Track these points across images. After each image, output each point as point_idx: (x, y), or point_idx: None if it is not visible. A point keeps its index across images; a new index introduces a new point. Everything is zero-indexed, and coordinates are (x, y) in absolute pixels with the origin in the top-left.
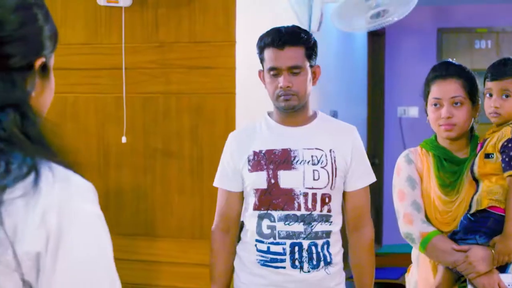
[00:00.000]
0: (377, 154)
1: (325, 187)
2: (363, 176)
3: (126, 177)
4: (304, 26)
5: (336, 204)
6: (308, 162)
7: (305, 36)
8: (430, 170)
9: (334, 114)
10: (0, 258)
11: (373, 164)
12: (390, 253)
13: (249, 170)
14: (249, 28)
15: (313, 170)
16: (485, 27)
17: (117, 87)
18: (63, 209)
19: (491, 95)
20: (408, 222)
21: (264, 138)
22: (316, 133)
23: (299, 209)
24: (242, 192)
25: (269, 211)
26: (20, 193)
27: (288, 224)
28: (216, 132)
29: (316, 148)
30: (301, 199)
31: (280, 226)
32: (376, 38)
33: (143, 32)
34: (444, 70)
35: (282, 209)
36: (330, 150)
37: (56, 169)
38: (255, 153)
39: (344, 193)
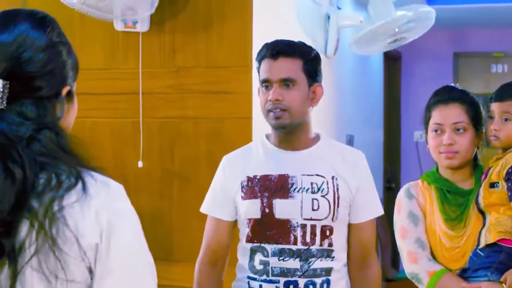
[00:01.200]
0: (393, 179)
1: (325, 218)
2: (369, 207)
3: (143, 202)
4: (320, 51)
5: (339, 238)
6: (307, 190)
7: (304, 49)
8: (434, 204)
9: (350, 139)
10: (70, 251)
11: (389, 189)
12: (407, 278)
13: (242, 197)
14: None
15: (312, 199)
16: (502, 52)
17: (134, 112)
18: (110, 208)
19: (493, 118)
20: (412, 261)
21: (259, 162)
22: (318, 158)
23: (295, 243)
24: (234, 222)
25: (262, 244)
26: (75, 198)
27: (283, 259)
28: None
29: (317, 175)
30: (298, 232)
31: (274, 262)
32: (392, 62)
33: (160, 57)
34: (446, 94)
35: (276, 242)
36: (333, 177)
37: (93, 175)
38: (249, 179)
39: (348, 226)
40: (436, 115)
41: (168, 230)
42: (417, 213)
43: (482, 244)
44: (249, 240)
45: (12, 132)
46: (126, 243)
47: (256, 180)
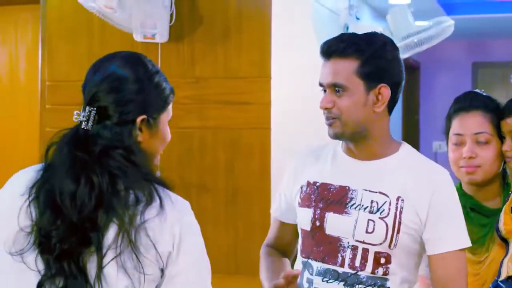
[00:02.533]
0: None
1: (380, 244)
2: (448, 237)
3: None
4: None
5: (400, 269)
6: (365, 208)
7: (364, 45)
8: None
9: None
10: (148, 255)
11: None
12: None
13: (299, 203)
14: (284, 63)
15: (368, 220)
16: None
17: None
18: (182, 223)
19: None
20: (424, 286)
21: (324, 167)
22: (386, 172)
23: (342, 265)
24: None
25: (309, 260)
26: (155, 213)
27: (326, 281)
28: (251, 167)
29: (380, 192)
30: (347, 253)
31: (317, 282)
32: (412, 71)
33: (179, 67)
34: (467, 101)
35: (322, 261)
36: (398, 198)
37: (165, 192)
38: (308, 184)
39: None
40: (456, 125)
41: None
42: None
43: (503, 275)
44: (301, 253)
45: (90, 148)
46: (191, 251)
47: (315, 187)
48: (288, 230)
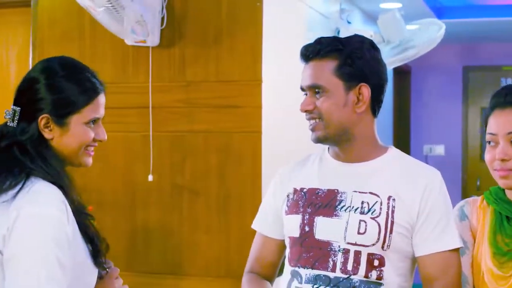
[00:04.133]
0: None
1: (373, 245)
2: (439, 237)
3: (153, 216)
4: None
5: (394, 272)
6: (356, 209)
7: (341, 46)
8: (485, 231)
9: None
10: None
11: None
12: None
13: (285, 211)
14: (275, 67)
15: (360, 221)
16: (511, 65)
17: (144, 126)
18: (22, 211)
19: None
20: None
21: (310, 173)
22: (376, 173)
23: (333, 269)
24: (283, 241)
25: (297, 268)
26: (7, 198)
27: None
28: (243, 171)
29: (370, 193)
30: (339, 257)
31: None
32: (402, 76)
33: (170, 71)
34: (502, 97)
35: (312, 267)
36: (389, 198)
37: (37, 182)
38: (295, 191)
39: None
40: (491, 123)
41: (178, 244)
42: (466, 239)
43: None
44: (289, 262)
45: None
46: (22, 239)
47: (302, 193)
48: (272, 246)
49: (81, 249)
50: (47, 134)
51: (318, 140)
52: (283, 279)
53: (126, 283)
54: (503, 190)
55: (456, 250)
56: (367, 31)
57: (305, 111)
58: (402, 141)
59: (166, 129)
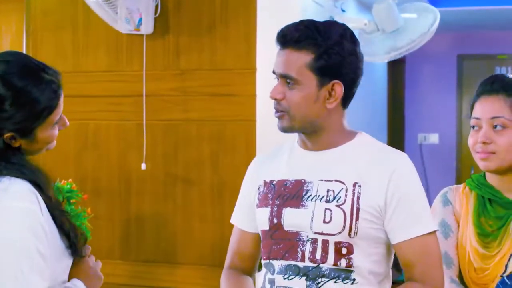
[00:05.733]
0: None
1: (339, 233)
2: (412, 222)
3: (146, 204)
4: None
5: (364, 259)
6: (322, 198)
7: (319, 39)
8: (469, 214)
9: None
10: None
11: None
12: None
13: (257, 205)
14: (269, 56)
15: (325, 209)
16: (506, 54)
17: (138, 114)
18: None
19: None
20: None
21: (279, 165)
22: (341, 160)
23: (302, 259)
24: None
25: (270, 261)
26: None
27: (287, 278)
28: (237, 159)
29: (336, 180)
30: (307, 247)
31: (279, 280)
32: (396, 65)
33: (164, 59)
34: (489, 84)
35: (283, 258)
36: (355, 184)
37: (10, 183)
38: (265, 184)
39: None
40: (476, 108)
41: (172, 233)
42: (450, 222)
43: (509, 271)
44: (262, 255)
45: None
46: (3, 231)
47: (272, 185)
48: (249, 240)
49: (57, 241)
50: (14, 144)
51: (284, 130)
52: (261, 273)
53: (120, 271)
54: (484, 176)
55: (433, 233)
56: (362, 20)
57: (274, 99)
58: (397, 130)
59: (160, 117)
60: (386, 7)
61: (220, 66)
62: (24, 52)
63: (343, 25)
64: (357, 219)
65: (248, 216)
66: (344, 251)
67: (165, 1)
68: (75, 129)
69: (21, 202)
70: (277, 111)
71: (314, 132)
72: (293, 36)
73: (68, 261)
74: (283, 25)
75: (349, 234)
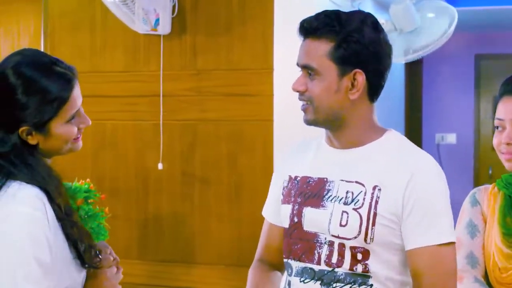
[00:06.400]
0: None
1: (354, 237)
2: (427, 229)
3: (164, 204)
4: None
5: (381, 265)
6: (340, 199)
7: (338, 27)
8: (495, 215)
9: None
10: None
11: None
12: None
13: (281, 200)
14: (286, 55)
15: (342, 212)
16: None
17: (154, 114)
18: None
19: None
20: (458, 279)
21: (305, 160)
22: (364, 160)
23: (318, 262)
24: None
25: (288, 260)
26: None
27: (303, 281)
28: (254, 159)
29: (356, 182)
30: (324, 250)
31: (295, 283)
32: (414, 64)
33: (181, 59)
34: (511, 84)
35: (300, 260)
36: (375, 187)
37: (14, 186)
38: (290, 179)
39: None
40: (499, 109)
41: (189, 232)
42: (477, 222)
43: None
44: (283, 253)
45: None
46: (2, 237)
47: (296, 181)
48: (277, 233)
49: (64, 251)
50: (31, 141)
51: (308, 123)
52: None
53: (138, 271)
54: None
55: (448, 244)
56: (379, 19)
57: (297, 91)
58: (414, 130)
59: (177, 117)
60: (404, 8)
61: (237, 66)
62: None
63: (366, 13)
64: (373, 224)
65: (276, 209)
66: (359, 256)
67: (182, 1)
68: (92, 129)
69: (26, 207)
70: (303, 104)
71: (339, 128)
72: (312, 25)
73: (78, 272)
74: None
75: (365, 240)
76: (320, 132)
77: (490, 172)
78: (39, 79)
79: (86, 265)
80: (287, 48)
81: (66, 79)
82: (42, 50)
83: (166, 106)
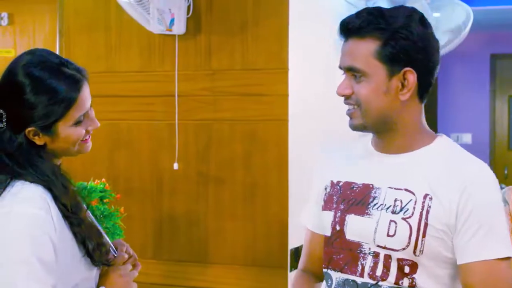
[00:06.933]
0: None
1: (403, 249)
2: (483, 243)
3: (178, 204)
4: None
5: (429, 280)
6: (388, 208)
7: (384, 24)
8: None
9: None
10: None
11: None
12: None
13: (322, 207)
14: (301, 55)
15: (390, 221)
16: None
17: (170, 114)
18: (3, 209)
19: None
20: None
21: (348, 164)
22: (414, 167)
23: (361, 274)
24: None
25: (328, 270)
26: None
27: None
28: (269, 159)
29: (406, 190)
30: (368, 261)
31: None
32: None
33: (196, 59)
34: None
35: (341, 271)
36: (425, 196)
37: (18, 185)
38: (332, 184)
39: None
40: None
41: (204, 232)
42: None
43: None
44: (323, 262)
45: None
46: (3, 237)
47: (338, 187)
48: (318, 242)
49: (73, 249)
50: (38, 141)
51: (355, 128)
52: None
53: (153, 270)
54: None
55: (504, 259)
56: None
57: (342, 95)
58: None
59: (192, 117)
60: (419, 7)
61: (251, 65)
62: (57, 52)
63: (412, 8)
64: (423, 235)
65: (315, 216)
66: (406, 269)
67: (197, 1)
68: (107, 129)
69: (28, 206)
70: (350, 108)
71: (388, 131)
72: (354, 24)
73: (88, 270)
74: (315, 24)
75: (414, 252)
76: (342, 136)
77: (506, 172)
78: (47, 79)
79: (96, 263)
80: (302, 48)
81: (74, 80)
82: (57, 49)
83: (181, 106)
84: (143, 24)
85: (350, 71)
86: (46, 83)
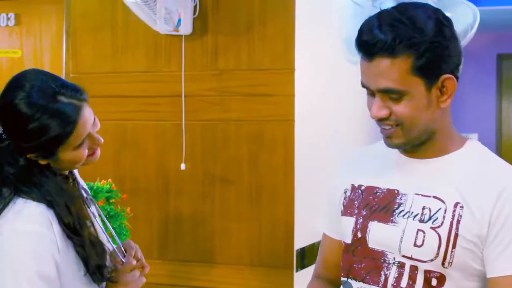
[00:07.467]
0: None
1: (431, 260)
2: (506, 255)
3: (185, 204)
4: None
5: None
6: (415, 216)
7: (416, 38)
8: None
9: None
10: None
11: None
12: None
13: (341, 211)
14: (308, 55)
15: (418, 230)
16: None
17: (176, 115)
18: (4, 226)
19: None
20: None
21: (371, 167)
22: (444, 173)
23: (384, 285)
24: None
25: (348, 279)
26: None
27: None
28: (275, 159)
29: (435, 197)
30: (392, 271)
31: None
32: None
33: (202, 60)
34: None
35: (363, 280)
36: (456, 205)
37: (19, 203)
38: (352, 188)
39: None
40: None
41: (210, 233)
42: None
43: None
44: (341, 270)
45: None
46: (6, 254)
47: (360, 191)
48: (335, 248)
49: (74, 266)
50: (41, 162)
51: (396, 147)
52: None
53: (159, 270)
54: None
55: None
56: None
57: (379, 119)
58: None
59: (199, 117)
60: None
61: (258, 66)
62: (64, 52)
63: (432, 7)
64: (453, 246)
65: (333, 220)
66: (434, 282)
67: (204, 1)
68: (113, 129)
69: (29, 224)
70: (385, 129)
71: (427, 140)
72: (382, 43)
73: (92, 285)
74: (321, 25)
75: (443, 264)
76: (350, 137)
77: None
78: (39, 117)
79: (97, 283)
80: (309, 48)
81: (70, 112)
82: (64, 50)
83: (188, 106)
84: (149, 25)
85: (386, 93)
86: (39, 121)
